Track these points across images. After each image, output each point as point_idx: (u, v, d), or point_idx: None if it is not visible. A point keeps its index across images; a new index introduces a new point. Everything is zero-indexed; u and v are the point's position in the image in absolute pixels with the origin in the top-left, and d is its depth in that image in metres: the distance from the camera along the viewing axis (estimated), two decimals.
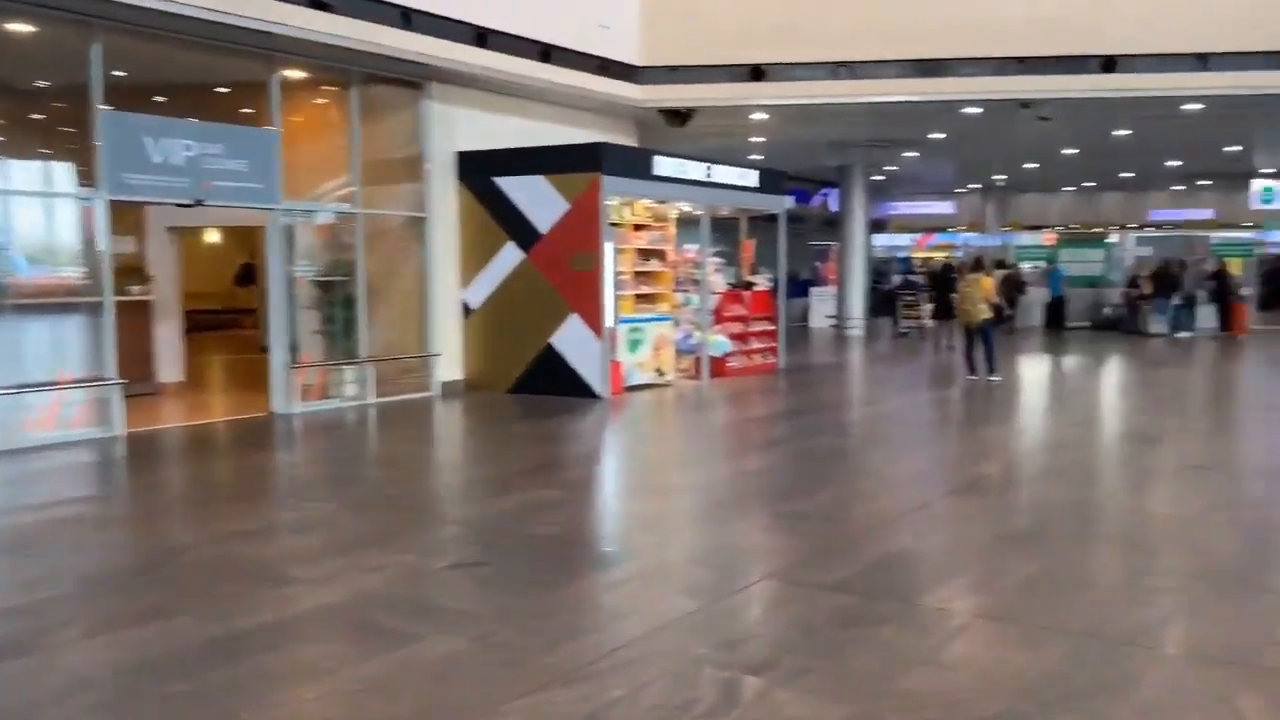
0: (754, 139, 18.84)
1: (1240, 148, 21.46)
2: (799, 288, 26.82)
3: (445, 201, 12.70)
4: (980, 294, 13.67)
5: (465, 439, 10.77)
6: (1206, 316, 21.62)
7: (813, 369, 15.83)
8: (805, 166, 24.27)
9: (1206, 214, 36.29)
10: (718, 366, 14.56)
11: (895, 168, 24.35)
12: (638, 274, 13.29)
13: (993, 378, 13.81)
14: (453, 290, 12.84)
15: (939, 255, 36.70)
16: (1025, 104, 14.45)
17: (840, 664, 3.97)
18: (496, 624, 4.46)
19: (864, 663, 3.99)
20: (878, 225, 30.35)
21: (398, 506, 6.89)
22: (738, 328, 15.21)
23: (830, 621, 4.45)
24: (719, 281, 15.11)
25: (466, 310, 12.97)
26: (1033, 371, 15.74)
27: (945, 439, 10.12)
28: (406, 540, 5.94)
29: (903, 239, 42.17)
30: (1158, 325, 21.36)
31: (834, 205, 25.41)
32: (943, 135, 18.61)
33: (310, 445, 9.64)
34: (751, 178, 14.90)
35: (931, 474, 7.99)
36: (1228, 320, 21.47)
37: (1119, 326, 22.70)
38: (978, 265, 14.17)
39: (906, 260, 32.20)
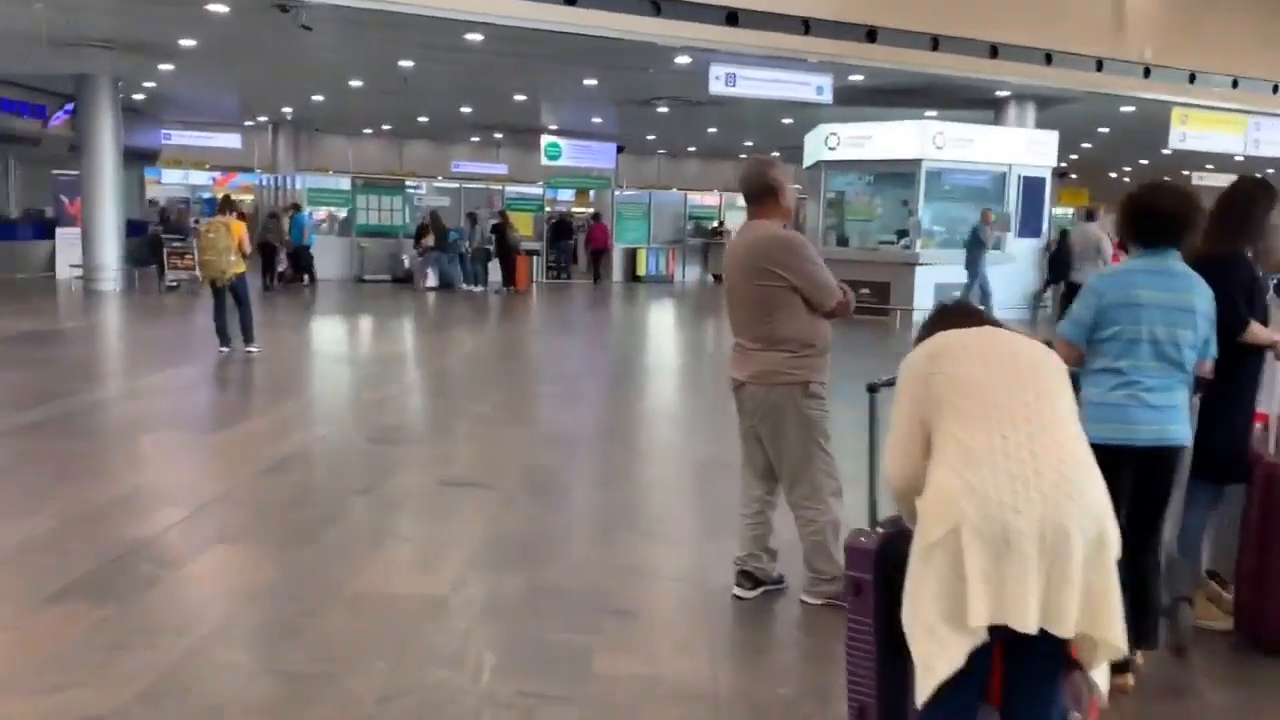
0: None
1: (526, 98, 21.13)
2: (40, 228, 21.17)
3: None
4: (227, 242, 10.63)
5: None
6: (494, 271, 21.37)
7: (11, 341, 11.41)
8: (35, 73, 18.78)
9: (501, 169, 37.40)
10: None
11: (154, 84, 19.98)
12: None
13: (250, 348, 10.94)
14: None
15: (247, 198, 32.79)
16: (283, 7, 11.60)
17: None
18: None
19: None
20: (147, 156, 25.47)
21: None
22: None
23: None
24: None
25: None
26: (303, 338, 13.15)
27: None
28: None
29: (201, 177, 37.25)
30: (431, 280, 20.80)
31: None
32: (194, 42, 15.00)
33: None
34: None
35: None
36: (512, 274, 21.34)
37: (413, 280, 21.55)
38: (226, 205, 11.06)
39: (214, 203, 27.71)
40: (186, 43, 15.01)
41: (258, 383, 9.58)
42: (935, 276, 16.77)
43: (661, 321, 17.27)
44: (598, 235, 26.14)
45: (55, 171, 21.12)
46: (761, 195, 4.04)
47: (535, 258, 24.51)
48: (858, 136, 17.53)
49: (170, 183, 38.07)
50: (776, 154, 36.17)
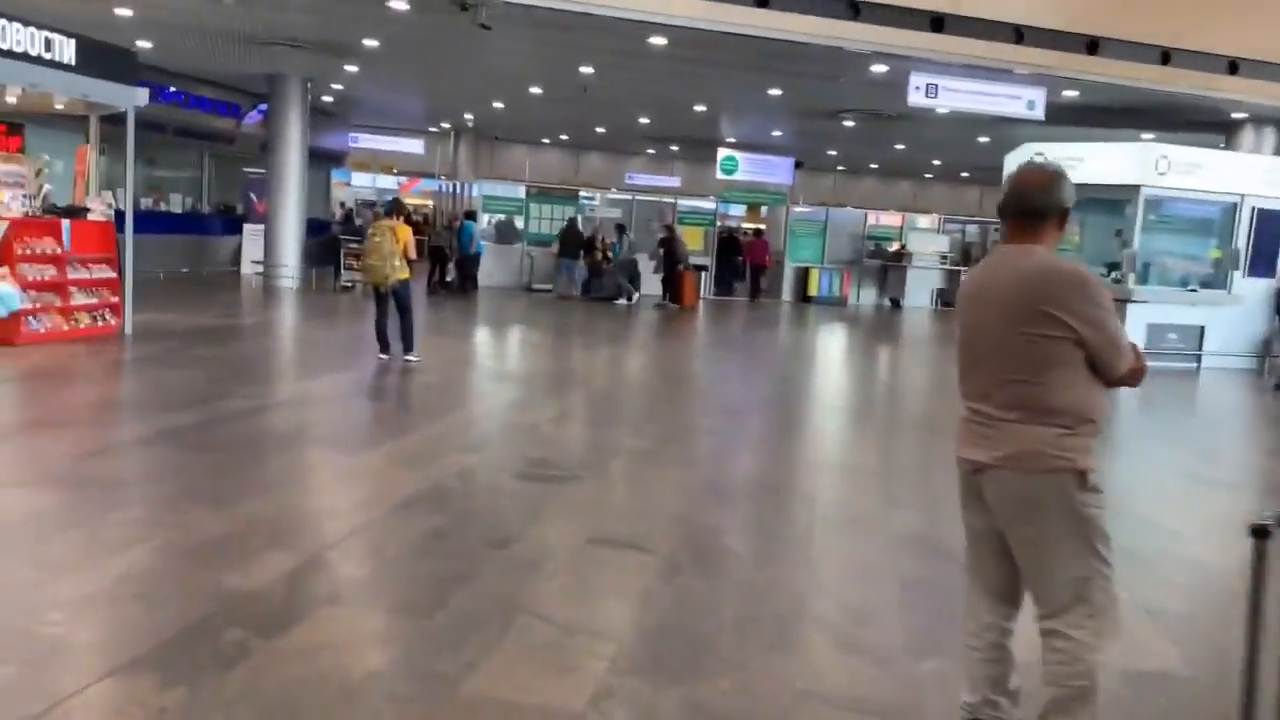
0: (121, 10, 13.70)
1: (706, 108, 20.37)
2: (230, 224, 21.82)
3: None
4: (392, 246, 10.23)
5: None
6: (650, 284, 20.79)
7: (172, 336, 11.40)
8: (229, 72, 19.32)
9: (675, 182, 36.89)
10: (7, 331, 9.69)
11: (341, 86, 20.25)
12: None
13: (410, 357, 10.53)
14: None
15: (426, 203, 33.45)
16: (464, 5, 11.17)
17: None
18: None
19: None
20: (334, 158, 26.07)
21: None
22: (50, 273, 10.35)
23: None
24: (10, 203, 10.07)
25: None
26: (457, 347, 12.67)
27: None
28: None
29: (388, 181, 38.30)
30: (567, 288, 20.48)
31: None
32: (376, 43, 14.90)
33: None
34: (64, 49, 10.00)
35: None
36: (678, 290, 20.59)
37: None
38: (395, 209, 10.67)
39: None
40: (370, 43, 14.93)
41: (410, 397, 9.07)
42: (1150, 315, 15.05)
43: (838, 349, 16.11)
44: (758, 251, 25.21)
45: (246, 169, 21.72)
46: (1044, 213, 2.99)
47: (704, 273, 23.78)
48: (1068, 159, 15.82)
49: (359, 185, 39.43)
50: (966, 174, 34.26)
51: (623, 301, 20.11)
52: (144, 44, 16.40)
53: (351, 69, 17.68)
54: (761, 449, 7.71)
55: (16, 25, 9.38)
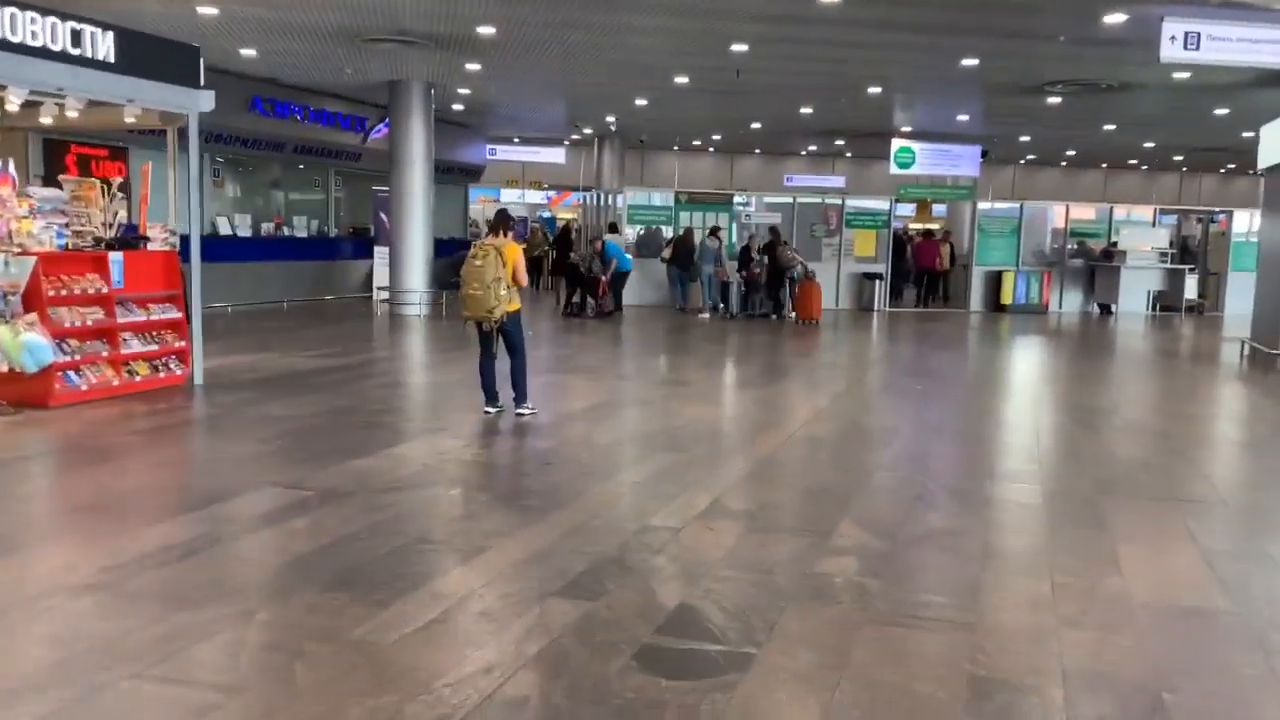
0: (204, 8, 12.02)
1: (880, 90, 17.48)
2: (361, 247, 20.30)
3: None
4: (497, 272, 7.95)
5: None
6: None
7: (249, 386, 9.44)
8: (348, 83, 17.70)
9: (838, 182, 33.97)
10: (38, 390, 7.91)
11: (467, 90, 18.34)
12: None
13: (522, 410, 8.25)
14: None
15: (570, 216, 31.60)
16: None
17: None
18: None
19: None
20: (472, 173, 24.35)
21: None
22: (95, 316, 8.55)
23: None
24: (40, 234, 8.28)
25: None
26: (583, 395, 10.27)
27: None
28: None
29: (535, 196, 36.82)
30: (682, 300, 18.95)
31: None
32: (492, 30, 12.76)
33: None
34: (99, 44, 8.14)
35: None
36: (789, 301, 18.14)
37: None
38: (501, 223, 8.37)
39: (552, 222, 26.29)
40: (485, 30, 12.81)
41: (510, 476, 6.72)
42: None
43: (1087, 388, 12.92)
44: (926, 253, 22.10)
45: (375, 188, 20.15)
46: None
47: (879, 282, 20.88)
48: None
49: (509, 201, 38.10)
50: (1180, 158, 29.84)
51: (704, 315, 18.30)
52: (248, 52, 14.85)
53: (474, 67, 15.68)
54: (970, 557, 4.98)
55: (32, 14, 7.56)
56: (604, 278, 17.35)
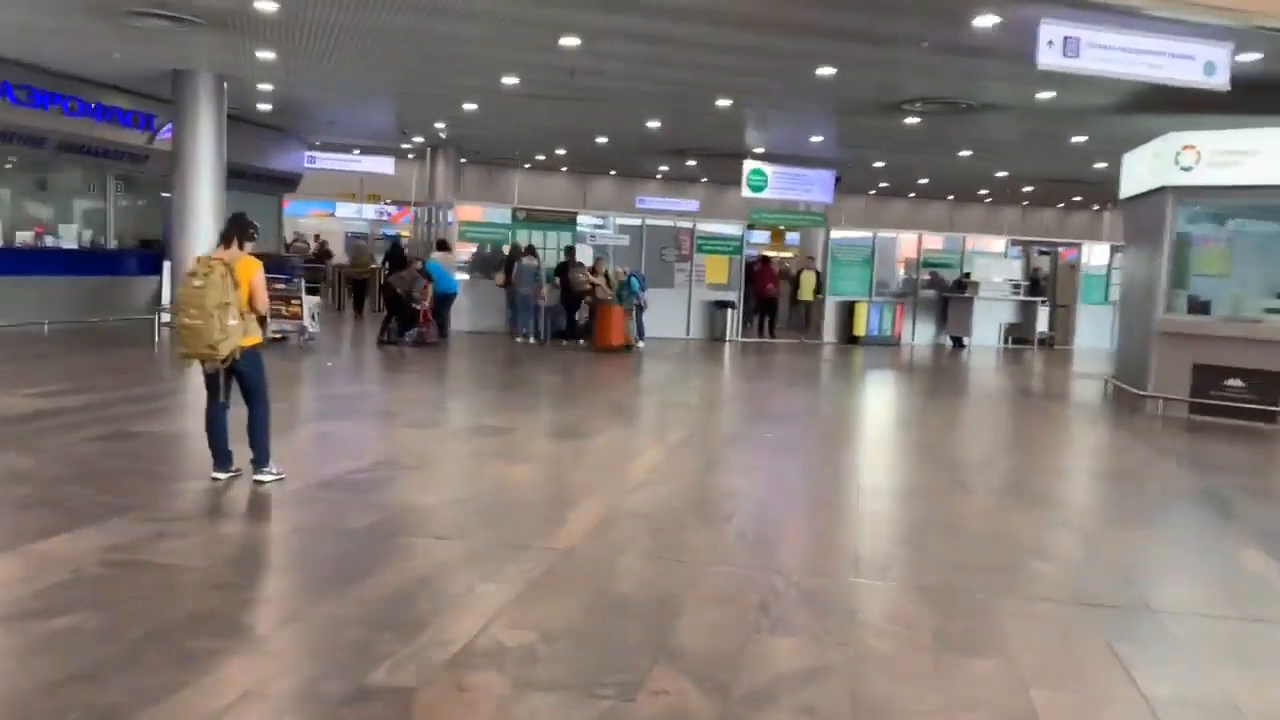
0: None
1: (731, 102, 16.13)
2: (147, 261, 17.67)
3: None
4: (223, 295, 6.00)
5: None
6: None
7: None
8: (126, 72, 15.22)
9: (692, 205, 32.92)
10: None
11: (269, 86, 16.12)
12: None
13: (263, 476, 6.31)
14: None
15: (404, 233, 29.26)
16: None
17: None
18: None
19: None
20: (286, 182, 21.94)
21: None
22: None
23: None
24: None
25: None
26: (360, 450, 8.35)
27: None
28: None
29: (368, 210, 34.32)
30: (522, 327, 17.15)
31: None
32: (273, 6, 10.72)
33: None
34: None
35: None
36: (583, 326, 16.84)
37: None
38: (235, 232, 6.39)
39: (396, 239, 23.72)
40: (264, 6, 10.76)
41: (193, 592, 4.74)
42: None
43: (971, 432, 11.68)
44: (765, 280, 21.10)
45: (165, 195, 17.61)
46: None
47: (731, 310, 19.67)
48: (1231, 151, 11.55)
49: (345, 216, 35.41)
50: (1030, 189, 29.78)
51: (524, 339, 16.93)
52: None
53: (267, 55, 13.52)
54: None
55: None
56: (423, 303, 15.38)
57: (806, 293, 22.61)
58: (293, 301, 14.72)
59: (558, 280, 16.86)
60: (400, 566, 4.92)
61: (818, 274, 22.19)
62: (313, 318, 14.89)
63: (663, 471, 7.37)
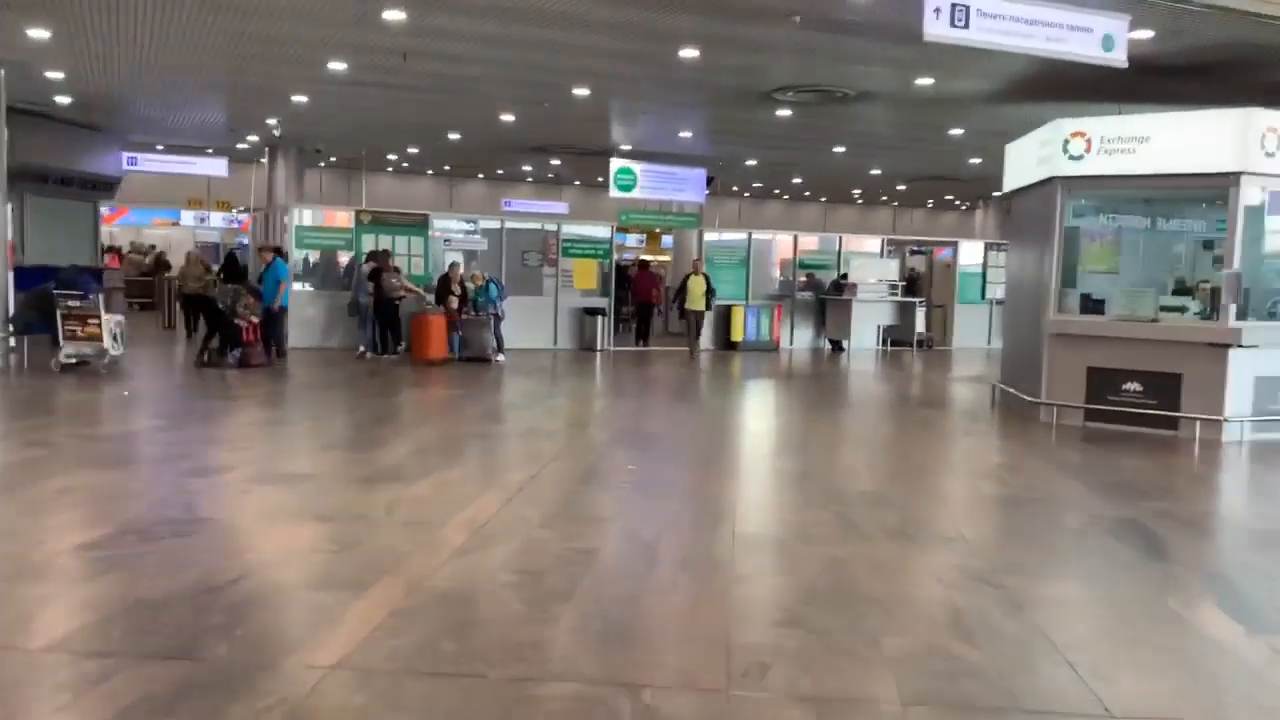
0: None
1: (590, 92, 14.76)
2: None
3: None
4: None
5: None
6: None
7: None
8: None
9: (562, 208, 31.62)
10: None
11: (60, 75, 14.01)
12: None
13: None
14: None
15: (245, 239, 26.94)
16: None
17: None
18: None
19: None
20: (102, 186, 19.60)
21: None
22: None
23: None
24: None
25: None
26: (101, 518, 6.68)
27: None
28: None
29: (216, 218, 31.85)
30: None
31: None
32: None
33: None
34: None
35: None
36: (394, 336, 15.48)
37: None
38: None
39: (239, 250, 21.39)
40: None
41: None
42: (1258, 366, 10.24)
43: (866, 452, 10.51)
44: (643, 286, 20.05)
45: None
46: None
47: (601, 318, 18.39)
48: (1125, 138, 10.73)
49: (189, 225, 32.85)
50: (903, 188, 29.34)
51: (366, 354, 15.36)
52: None
53: (40, 34, 11.52)
54: None
55: None
56: (248, 319, 13.58)
57: (696, 300, 21.35)
58: (90, 321, 12.79)
59: (371, 287, 15.20)
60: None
61: (707, 278, 20.99)
62: (115, 339, 12.98)
63: (492, 529, 5.91)
